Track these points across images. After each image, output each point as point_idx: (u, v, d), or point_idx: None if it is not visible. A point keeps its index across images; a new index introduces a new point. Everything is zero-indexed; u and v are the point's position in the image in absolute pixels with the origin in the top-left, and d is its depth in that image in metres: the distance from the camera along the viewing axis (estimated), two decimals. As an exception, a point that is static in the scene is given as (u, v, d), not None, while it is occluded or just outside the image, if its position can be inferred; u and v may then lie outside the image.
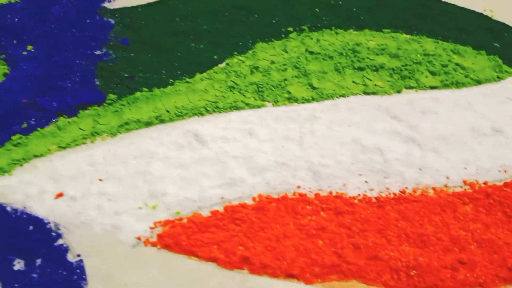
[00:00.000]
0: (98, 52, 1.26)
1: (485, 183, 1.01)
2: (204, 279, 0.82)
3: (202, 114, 1.10)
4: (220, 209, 0.92)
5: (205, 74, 1.21)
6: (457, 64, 1.29)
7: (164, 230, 0.88)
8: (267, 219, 0.91)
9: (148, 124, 1.07)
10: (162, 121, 1.08)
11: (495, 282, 0.85)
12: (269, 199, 0.94)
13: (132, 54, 1.25)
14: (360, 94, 1.20)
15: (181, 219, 0.90)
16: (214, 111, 1.11)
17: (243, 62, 1.25)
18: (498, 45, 1.37)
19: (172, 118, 1.09)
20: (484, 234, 0.91)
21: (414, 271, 0.84)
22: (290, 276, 0.83)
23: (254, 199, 0.94)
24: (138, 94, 1.13)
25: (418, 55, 1.30)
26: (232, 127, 1.08)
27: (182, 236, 0.87)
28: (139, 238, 0.87)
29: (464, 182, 1.01)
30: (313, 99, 1.17)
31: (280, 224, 0.90)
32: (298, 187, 0.97)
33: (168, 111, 1.10)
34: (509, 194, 0.99)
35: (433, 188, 0.99)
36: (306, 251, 0.86)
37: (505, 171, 1.04)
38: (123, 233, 0.87)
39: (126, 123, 1.06)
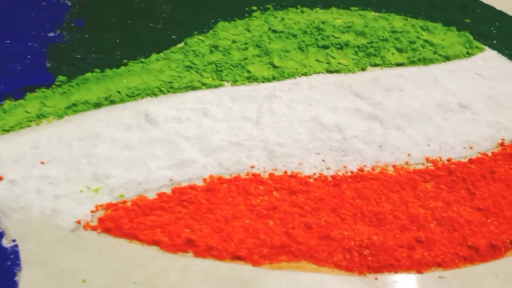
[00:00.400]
0: (51, 34, 1.20)
1: (448, 160, 0.96)
2: (145, 263, 0.77)
3: (155, 95, 1.05)
4: (168, 191, 0.87)
5: (161, 54, 1.15)
6: (425, 41, 1.24)
7: (106, 214, 0.83)
8: (217, 200, 0.86)
9: (97, 105, 1.02)
10: (112, 102, 1.03)
11: (454, 261, 0.81)
12: (220, 180, 0.90)
13: (86, 35, 1.20)
14: (323, 72, 1.15)
15: (125, 202, 0.85)
16: (168, 91, 1.06)
17: (203, 41, 1.20)
18: (470, 21, 1.33)
19: (123, 99, 1.04)
20: (444, 211, 0.87)
21: (367, 251, 0.80)
22: (236, 258, 0.79)
23: (204, 180, 0.90)
24: (88, 75, 1.08)
25: (386, 33, 1.25)
26: (186, 107, 1.03)
27: (124, 220, 0.82)
28: (78, 222, 0.82)
29: (427, 159, 0.96)
30: (274, 78, 1.12)
31: (230, 205, 0.86)
32: (252, 167, 0.93)
33: (119, 92, 1.04)
34: (473, 171, 0.94)
35: (393, 166, 0.94)
36: (255, 232, 0.82)
37: (470, 148, 0.99)
38: (62, 217, 0.83)
39: (74, 105, 1.01)
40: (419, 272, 0.79)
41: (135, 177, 0.89)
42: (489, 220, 0.87)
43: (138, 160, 0.92)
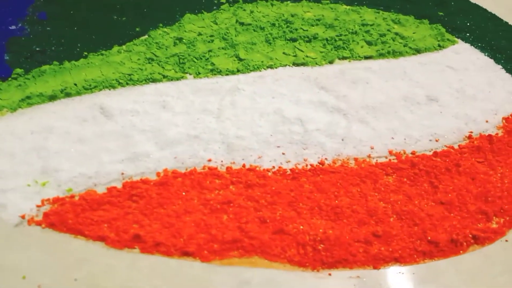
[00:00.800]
0: (12, 27, 1.17)
1: (413, 153, 0.94)
2: (89, 259, 0.74)
3: (113, 87, 1.02)
4: (119, 185, 0.84)
5: (123, 47, 1.12)
6: (396, 34, 1.21)
7: (52, 208, 0.80)
8: (169, 194, 0.83)
9: (52, 98, 0.99)
10: (68, 95, 1.00)
11: (413, 256, 0.78)
12: (174, 174, 0.87)
13: (48, 28, 1.17)
14: (289, 65, 1.12)
15: (72, 196, 0.82)
16: (127, 83, 1.03)
17: (167, 34, 1.17)
18: (443, 14, 1.31)
19: (80, 92, 1.00)
20: (405, 205, 0.84)
21: (322, 245, 0.77)
22: (185, 254, 0.76)
23: (158, 174, 0.87)
24: (45, 67, 1.04)
25: (356, 26, 1.23)
26: (145, 100, 1.00)
27: (70, 214, 0.79)
28: (23, 217, 0.79)
29: (390, 152, 0.93)
30: (238, 70, 1.09)
31: (183, 200, 0.83)
32: (209, 160, 0.89)
33: (75, 84, 1.01)
34: (437, 164, 0.91)
35: (355, 159, 0.91)
36: (207, 227, 0.79)
37: (436, 140, 0.97)
38: (7, 212, 0.79)
39: (28, 97, 0.97)
40: (375, 268, 0.76)
41: (85, 171, 0.85)
42: (452, 214, 0.84)
43: (90, 153, 0.88)
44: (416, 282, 0.75)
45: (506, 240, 0.82)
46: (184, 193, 0.84)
